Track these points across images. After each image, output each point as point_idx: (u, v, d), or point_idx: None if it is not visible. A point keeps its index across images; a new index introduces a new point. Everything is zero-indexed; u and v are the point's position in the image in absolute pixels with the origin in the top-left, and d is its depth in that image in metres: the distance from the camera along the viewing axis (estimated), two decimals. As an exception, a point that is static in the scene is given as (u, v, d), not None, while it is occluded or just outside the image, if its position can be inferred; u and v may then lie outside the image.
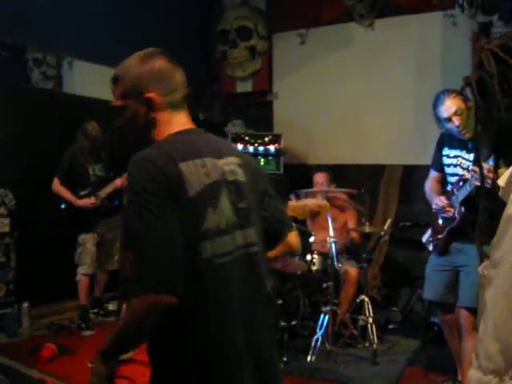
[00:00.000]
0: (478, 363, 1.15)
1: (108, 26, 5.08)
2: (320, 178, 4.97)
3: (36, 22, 4.70)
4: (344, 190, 4.61)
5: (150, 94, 1.61)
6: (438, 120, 3.27)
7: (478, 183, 2.91)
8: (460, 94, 3.22)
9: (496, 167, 1.29)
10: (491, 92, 1.17)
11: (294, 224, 1.94)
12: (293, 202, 3.22)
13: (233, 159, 1.65)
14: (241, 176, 1.64)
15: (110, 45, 5.07)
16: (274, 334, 1.76)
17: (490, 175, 2.88)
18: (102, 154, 4.93)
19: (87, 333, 4.72)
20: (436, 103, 3.25)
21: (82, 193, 4.77)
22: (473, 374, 1.16)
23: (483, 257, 1.28)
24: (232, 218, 1.55)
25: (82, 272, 4.80)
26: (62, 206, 4.76)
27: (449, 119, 3.19)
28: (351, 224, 4.99)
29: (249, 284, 1.58)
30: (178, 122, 1.65)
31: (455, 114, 3.16)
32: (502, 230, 1.17)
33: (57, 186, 4.73)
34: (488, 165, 2.88)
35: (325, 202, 3.39)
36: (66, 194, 4.73)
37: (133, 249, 1.42)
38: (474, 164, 3.18)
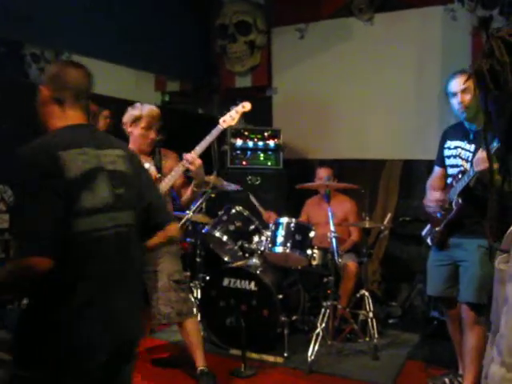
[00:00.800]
0: (502, 359, 1.12)
1: (106, 21, 5.05)
2: (323, 172, 4.97)
3: (33, 17, 4.68)
4: (344, 184, 4.60)
5: (42, 87, 1.93)
6: (447, 95, 3.29)
7: (483, 167, 2.90)
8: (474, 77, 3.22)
9: (504, 156, 1.27)
10: (503, 81, 1.15)
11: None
12: (224, 116, 3.60)
13: (116, 151, 1.95)
14: (122, 166, 1.93)
15: (108, 40, 5.05)
16: (139, 305, 2.10)
17: (482, 166, 2.89)
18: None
19: None
20: (449, 77, 3.28)
21: None
22: (496, 370, 1.13)
23: (494, 251, 1.25)
24: (108, 200, 1.83)
25: None
26: None
27: (454, 94, 3.20)
28: (351, 219, 5.00)
29: (120, 257, 1.88)
30: (69, 117, 1.92)
31: (462, 91, 3.16)
32: None
33: None
34: (485, 153, 2.89)
35: (245, 103, 3.71)
36: None
37: (15, 224, 1.79)
38: (474, 154, 3.18)
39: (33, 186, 1.72)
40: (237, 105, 3.69)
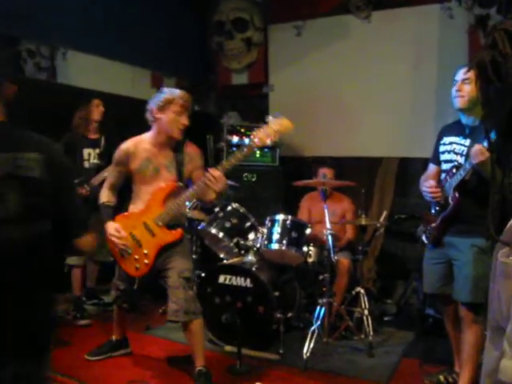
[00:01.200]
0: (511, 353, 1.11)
1: (103, 17, 5.03)
2: (325, 171, 4.90)
3: (30, 13, 4.66)
4: (341, 182, 4.60)
5: None
6: (453, 79, 3.28)
7: (482, 158, 2.89)
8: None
9: (503, 149, 1.25)
10: (505, 73, 1.14)
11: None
12: (257, 133, 3.12)
13: (31, 155, 1.71)
14: (35, 172, 1.70)
15: (104, 35, 5.03)
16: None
17: (481, 157, 2.88)
18: (102, 137, 4.87)
19: (83, 322, 4.72)
20: (459, 65, 3.27)
21: (75, 181, 4.71)
22: (508, 364, 1.12)
23: (495, 242, 1.23)
24: (19, 210, 1.65)
25: (72, 263, 4.78)
26: None
27: (455, 82, 3.20)
28: (349, 217, 5.00)
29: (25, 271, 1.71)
30: None
31: (463, 80, 3.16)
32: None
33: None
34: (481, 146, 2.89)
35: (285, 121, 3.20)
36: None
37: None
38: (469, 149, 3.18)
39: None
40: (274, 118, 3.23)
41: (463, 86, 3.16)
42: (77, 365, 3.80)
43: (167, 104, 3.36)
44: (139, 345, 4.15)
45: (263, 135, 3.14)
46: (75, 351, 4.03)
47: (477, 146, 2.93)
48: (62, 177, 1.85)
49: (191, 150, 3.54)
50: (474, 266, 3.10)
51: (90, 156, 4.81)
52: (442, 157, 3.39)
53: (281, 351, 4.05)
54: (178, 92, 3.42)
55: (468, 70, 3.13)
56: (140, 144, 3.50)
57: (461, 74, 3.19)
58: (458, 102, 3.20)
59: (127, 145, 3.51)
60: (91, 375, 3.68)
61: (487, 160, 2.80)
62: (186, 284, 3.43)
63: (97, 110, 4.80)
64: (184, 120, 3.39)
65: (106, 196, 3.60)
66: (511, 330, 1.12)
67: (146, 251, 3.42)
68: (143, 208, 3.46)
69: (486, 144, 2.85)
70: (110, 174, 3.70)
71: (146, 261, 3.44)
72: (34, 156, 1.71)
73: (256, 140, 3.14)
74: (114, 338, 3.97)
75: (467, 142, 3.22)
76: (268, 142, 3.15)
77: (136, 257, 3.45)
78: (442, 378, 3.55)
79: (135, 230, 3.44)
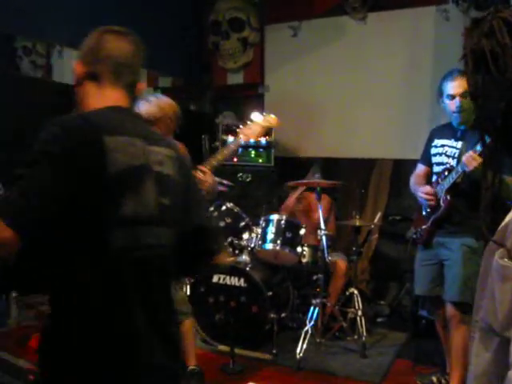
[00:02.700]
0: None
1: (99, 15, 5.02)
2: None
3: (25, 10, 4.65)
4: (335, 182, 4.61)
5: (76, 62, 1.57)
6: (441, 94, 3.25)
7: (475, 164, 2.89)
8: None
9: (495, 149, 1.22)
10: (503, 65, 1.09)
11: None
12: (242, 129, 3.05)
13: (164, 150, 1.54)
14: (169, 169, 1.53)
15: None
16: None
17: (474, 163, 2.89)
18: None
19: None
20: (447, 77, 3.23)
21: None
22: None
23: (488, 240, 1.21)
24: (153, 210, 1.44)
25: None
26: None
27: (452, 97, 3.18)
28: (325, 215, 4.96)
29: (152, 285, 1.48)
30: (107, 97, 1.53)
31: (461, 95, 3.14)
32: None
33: None
34: (474, 152, 2.90)
35: (271, 117, 3.16)
36: None
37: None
38: (460, 151, 3.19)
39: (52, 161, 1.32)
40: (261, 116, 3.19)
41: (463, 100, 3.13)
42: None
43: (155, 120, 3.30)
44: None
45: (249, 132, 3.12)
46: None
47: (469, 153, 2.93)
48: (191, 180, 1.67)
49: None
50: (463, 265, 3.11)
51: None
52: (434, 159, 3.40)
53: (274, 351, 4.05)
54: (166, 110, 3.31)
55: (457, 79, 3.13)
56: None
57: (457, 88, 3.15)
58: (461, 118, 3.19)
59: None
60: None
61: (479, 166, 2.82)
62: (176, 285, 3.43)
63: None
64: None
65: None
66: None
67: None
68: None
69: (479, 148, 2.87)
70: None
71: None
72: (168, 152, 1.55)
73: (242, 136, 3.12)
74: None
75: (459, 144, 3.23)
76: (254, 138, 3.13)
77: None
78: (434, 379, 3.57)
79: None
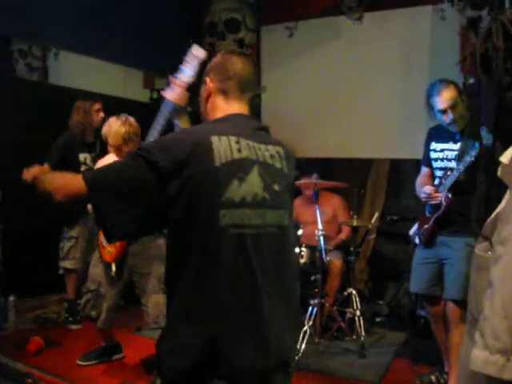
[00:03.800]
0: (484, 342, 1.11)
1: (94, 17, 5.02)
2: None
3: (22, 13, 4.64)
4: (332, 182, 4.61)
5: (207, 78, 1.85)
6: (431, 109, 3.27)
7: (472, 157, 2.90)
8: (455, 85, 3.23)
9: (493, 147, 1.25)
10: (495, 67, 1.12)
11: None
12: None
13: (277, 148, 1.79)
14: (280, 164, 1.76)
15: (96, 36, 5.01)
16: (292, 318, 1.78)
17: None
18: (97, 142, 4.81)
19: (74, 327, 4.69)
20: (431, 92, 3.24)
21: None
22: (478, 353, 1.12)
23: (477, 234, 1.24)
24: (262, 195, 1.65)
25: (70, 267, 4.76)
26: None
27: (444, 111, 3.19)
28: (340, 214, 4.99)
29: (270, 262, 1.66)
30: (229, 108, 1.81)
31: (451, 106, 3.16)
32: (510, 206, 1.14)
33: None
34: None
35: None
36: None
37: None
38: (460, 152, 3.19)
39: (151, 154, 1.57)
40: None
41: (455, 112, 3.16)
42: (68, 366, 3.78)
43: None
44: (130, 346, 4.13)
45: (170, 91, 2.43)
46: (66, 352, 4.01)
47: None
48: (296, 173, 1.93)
49: None
50: (466, 263, 3.10)
51: (86, 160, 4.78)
52: (435, 164, 3.41)
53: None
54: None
55: (450, 90, 3.14)
56: None
57: (445, 102, 3.17)
58: (457, 127, 3.21)
59: None
60: (82, 376, 3.67)
61: None
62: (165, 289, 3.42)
63: (96, 116, 4.74)
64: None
65: None
66: (483, 321, 1.13)
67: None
68: None
69: (473, 153, 2.88)
70: None
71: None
72: (278, 149, 1.80)
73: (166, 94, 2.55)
74: (103, 344, 3.94)
75: (457, 146, 3.24)
76: (175, 96, 2.62)
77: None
78: (433, 378, 3.57)
79: None
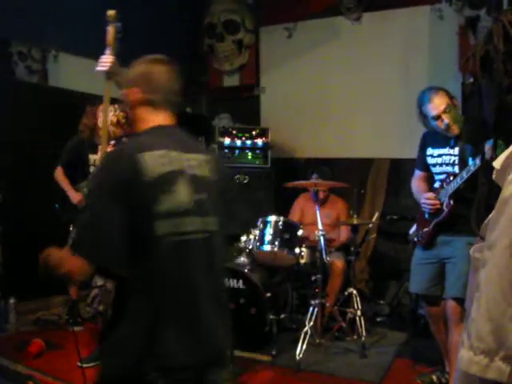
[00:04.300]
0: (470, 343, 1.15)
1: (94, 19, 5.01)
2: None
3: (20, 15, 4.64)
4: (333, 182, 4.60)
5: (131, 89, 1.86)
6: (424, 117, 3.27)
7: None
8: (445, 90, 3.23)
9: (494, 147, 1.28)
10: (495, 69, 1.14)
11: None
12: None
13: (200, 156, 1.85)
14: (208, 172, 1.85)
15: (96, 38, 5.01)
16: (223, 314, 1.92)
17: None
18: None
19: (76, 328, 4.69)
20: (422, 101, 3.25)
21: (81, 185, 4.68)
22: (464, 353, 1.16)
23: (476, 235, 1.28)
24: (189, 204, 1.74)
25: None
26: (56, 206, 4.66)
27: (437, 117, 3.19)
28: (343, 218, 4.99)
29: (202, 265, 1.78)
30: (155, 119, 1.85)
31: (444, 111, 3.16)
32: (497, 212, 1.16)
33: (60, 175, 4.61)
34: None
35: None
36: (67, 186, 4.59)
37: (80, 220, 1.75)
38: (460, 157, 3.20)
39: (105, 188, 1.68)
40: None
41: (449, 117, 3.16)
42: (69, 368, 3.78)
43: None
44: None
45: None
46: (67, 354, 4.00)
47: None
48: (227, 184, 2.03)
49: None
50: (468, 263, 3.09)
51: (96, 161, 4.79)
52: (434, 169, 3.41)
53: (273, 352, 4.04)
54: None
55: (441, 96, 3.16)
56: None
57: (437, 108, 3.17)
58: (453, 131, 3.21)
59: None
60: (83, 378, 3.66)
61: None
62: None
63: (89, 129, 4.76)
64: None
65: None
66: (470, 322, 1.17)
67: None
68: None
69: (478, 162, 2.88)
70: None
71: None
72: (202, 157, 1.87)
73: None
74: None
75: (455, 150, 3.24)
76: (102, 68, 2.85)
77: None
78: (434, 378, 3.56)
79: None
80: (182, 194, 1.74)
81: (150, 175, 1.67)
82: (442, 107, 3.16)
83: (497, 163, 1.21)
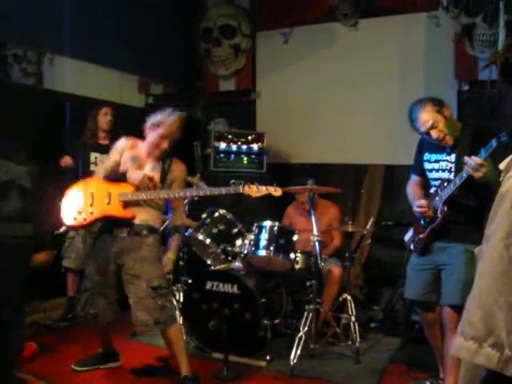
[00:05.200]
0: (462, 329, 1.18)
1: (90, 22, 5.02)
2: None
3: (16, 17, 4.63)
4: (327, 188, 4.60)
5: None
6: (417, 130, 3.29)
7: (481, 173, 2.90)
8: (432, 102, 3.23)
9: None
10: None
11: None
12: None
13: (23, 168, 2.09)
14: (27, 183, 2.09)
15: (91, 41, 5.01)
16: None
17: (483, 169, 2.89)
18: (110, 144, 4.82)
19: (61, 323, 4.76)
20: (411, 117, 3.27)
21: None
22: (456, 340, 1.21)
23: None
24: (19, 211, 2.00)
25: (67, 265, 4.82)
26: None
27: (426, 133, 3.21)
28: (335, 225, 4.99)
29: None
30: None
31: (431, 127, 3.17)
32: (495, 207, 1.20)
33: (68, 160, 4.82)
34: (480, 158, 2.90)
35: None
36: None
37: None
38: (456, 164, 3.20)
39: None
40: (271, 184, 3.76)
41: (438, 131, 3.17)
42: (62, 372, 3.76)
43: (156, 125, 3.56)
44: (125, 351, 4.11)
45: (254, 189, 3.68)
46: (60, 358, 3.99)
47: (475, 161, 2.90)
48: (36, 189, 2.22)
49: (176, 167, 3.68)
50: (466, 270, 3.10)
51: (97, 159, 4.83)
52: (430, 175, 3.42)
53: (268, 357, 4.04)
54: (170, 118, 3.58)
55: (427, 111, 3.17)
56: (135, 145, 3.69)
57: (424, 124, 3.18)
58: (447, 142, 3.22)
59: (128, 140, 3.72)
60: (77, 382, 3.65)
61: (488, 171, 2.84)
62: (154, 293, 3.39)
63: (103, 119, 4.85)
64: (164, 145, 3.57)
65: (101, 171, 3.68)
66: (465, 311, 1.21)
67: (91, 210, 3.47)
68: (118, 183, 3.54)
69: (483, 154, 2.87)
70: (106, 160, 3.80)
71: (84, 216, 3.47)
72: (24, 168, 2.07)
73: (246, 187, 3.68)
74: (100, 350, 3.93)
75: (452, 157, 3.25)
76: (252, 194, 3.67)
77: (80, 211, 3.49)
78: (428, 383, 3.57)
79: (98, 192, 3.51)
80: (15, 201, 2.03)
81: None
82: (429, 124, 3.16)
83: (502, 165, 1.24)
